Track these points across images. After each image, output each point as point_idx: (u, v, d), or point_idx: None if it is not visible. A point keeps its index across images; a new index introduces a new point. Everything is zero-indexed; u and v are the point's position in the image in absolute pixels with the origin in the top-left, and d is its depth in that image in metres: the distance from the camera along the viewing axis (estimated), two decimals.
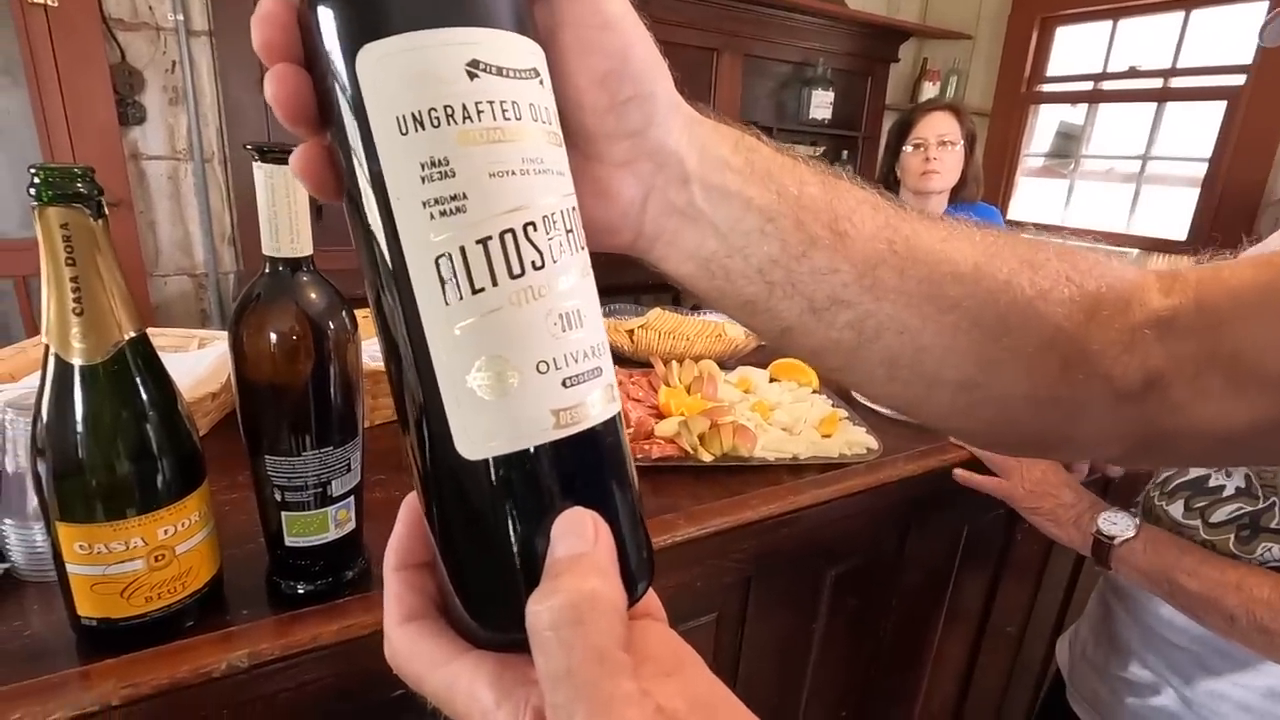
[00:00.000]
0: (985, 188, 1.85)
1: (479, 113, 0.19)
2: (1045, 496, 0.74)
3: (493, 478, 0.20)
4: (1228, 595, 0.59)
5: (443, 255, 0.19)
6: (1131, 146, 2.85)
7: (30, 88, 1.78)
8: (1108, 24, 2.87)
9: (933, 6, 3.28)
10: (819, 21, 2.84)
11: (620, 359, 1.03)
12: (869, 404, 0.88)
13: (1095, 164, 3.03)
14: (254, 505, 0.47)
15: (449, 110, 0.19)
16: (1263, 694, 0.65)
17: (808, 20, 2.82)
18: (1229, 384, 0.27)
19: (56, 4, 1.74)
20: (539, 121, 0.21)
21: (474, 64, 0.19)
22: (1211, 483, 0.67)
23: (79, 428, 0.38)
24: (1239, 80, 2.46)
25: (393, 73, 0.19)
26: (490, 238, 0.19)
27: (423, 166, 0.19)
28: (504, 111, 0.20)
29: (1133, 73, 2.83)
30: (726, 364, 1.00)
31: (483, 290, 0.19)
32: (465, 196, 0.19)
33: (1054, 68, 3.06)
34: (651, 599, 0.24)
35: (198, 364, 0.76)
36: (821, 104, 2.92)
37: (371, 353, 0.78)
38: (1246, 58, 2.43)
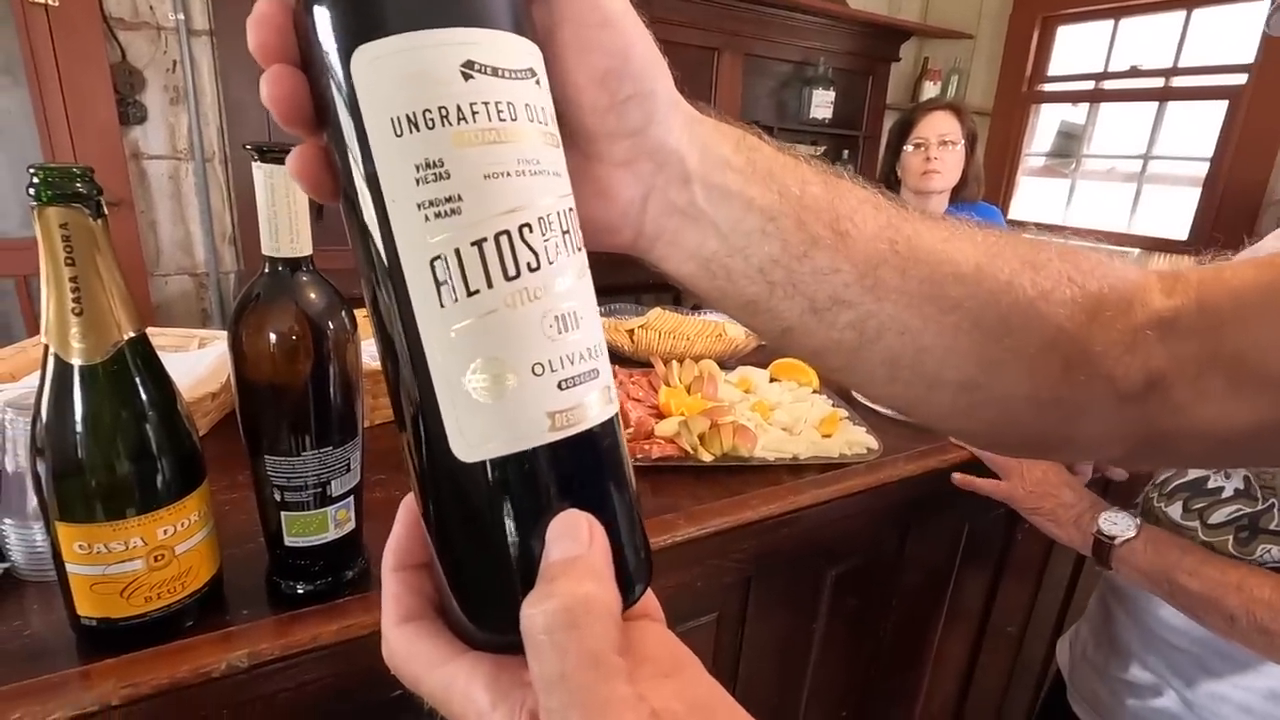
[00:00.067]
0: (986, 187, 1.85)
1: (474, 114, 0.19)
2: (1046, 497, 0.74)
3: (488, 480, 0.20)
4: (1228, 596, 0.59)
5: (438, 257, 0.19)
6: (1133, 146, 2.85)
7: (31, 87, 1.78)
8: (1109, 23, 2.86)
9: (934, 6, 3.28)
10: (820, 21, 2.84)
11: (620, 359, 1.03)
12: (869, 404, 0.88)
13: (1096, 163, 3.03)
14: (253, 505, 0.47)
15: (444, 111, 0.19)
16: (1264, 695, 0.65)
17: (809, 19, 2.81)
18: (1230, 385, 0.27)
19: (57, 3, 1.74)
20: (535, 122, 0.21)
21: (469, 65, 0.19)
22: (1210, 484, 0.67)
23: (78, 428, 0.38)
24: (1240, 79, 2.46)
25: (387, 74, 0.19)
26: (485, 239, 0.19)
27: (417, 168, 0.19)
28: (499, 112, 0.20)
29: (1134, 72, 2.82)
30: (727, 364, 1.00)
31: (478, 292, 0.19)
32: (460, 198, 0.19)
33: (1055, 67, 3.06)
34: (650, 600, 0.24)
35: (198, 364, 0.76)
36: (822, 103, 2.91)
37: (371, 352, 0.78)
38: (1248, 57, 2.43)
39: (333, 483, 0.46)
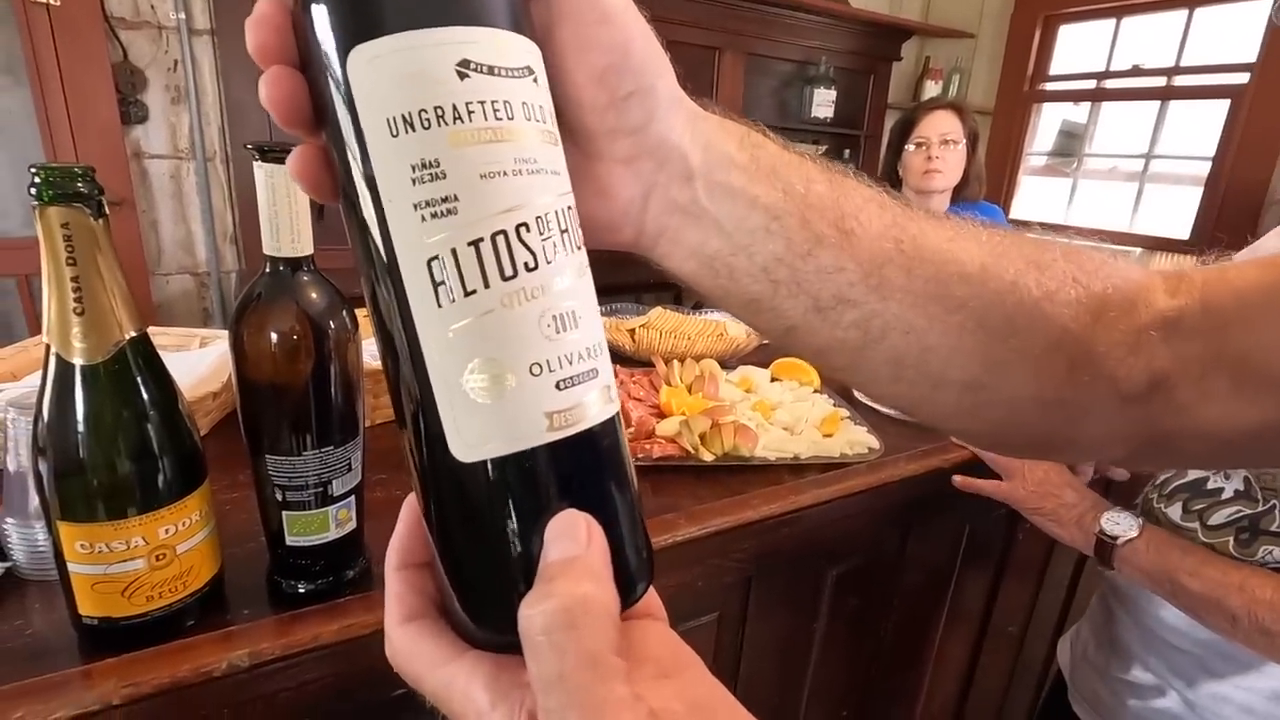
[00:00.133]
0: (988, 186, 1.85)
1: (470, 113, 0.19)
2: (1048, 497, 0.74)
3: (487, 480, 0.20)
4: (1230, 596, 0.59)
5: (435, 257, 0.19)
6: (1134, 145, 2.84)
7: (32, 87, 1.78)
8: (1111, 22, 2.86)
9: (935, 5, 3.27)
10: (821, 20, 2.84)
11: (621, 358, 1.03)
12: (870, 403, 0.88)
13: (1098, 163, 3.02)
14: (255, 504, 0.47)
15: (439, 111, 0.19)
16: (1266, 696, 0.65)
17: (810, 19, 2.81)
18: (1234, 385, 0.27)
19: (59, 3, 1.74)
20: (533, 120, 0.21)
21: (464, 64, 0.19)
22: (1210, 485, 0.67)
23: (80, 427, 0.38)
24: (1243, 79, 2.46)
25: (383, 74, 0.19)
26: (482, 239, 0.19)
27: (413, 168, 0.19)
28: (496, 111, 0.20)
29: (1136, 71, 2.82)
30: (728, 363, 1.00)
31: (475, 292, 0.19)
32: (456, 198, 0.19)
33: (1057, 66, 3.05)
34: (652, 599, 0.24)
35: (199, 363, 0.76)
36: (824, 102, 2.91)
37: (372, 352, 0.78)
38: (1250, 56, 2.42)
39: (334, 482, 0.46)
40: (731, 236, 0.27)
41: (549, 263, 0.20)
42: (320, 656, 0.46)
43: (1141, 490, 0.78)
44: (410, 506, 0.24)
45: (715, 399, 0.84)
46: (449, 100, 0.19)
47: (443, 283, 0.19)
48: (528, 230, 0.20)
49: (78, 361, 0.38)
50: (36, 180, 0.34)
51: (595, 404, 0.21)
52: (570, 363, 0.20)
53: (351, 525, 0.49)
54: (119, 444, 0.39)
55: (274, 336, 0.42)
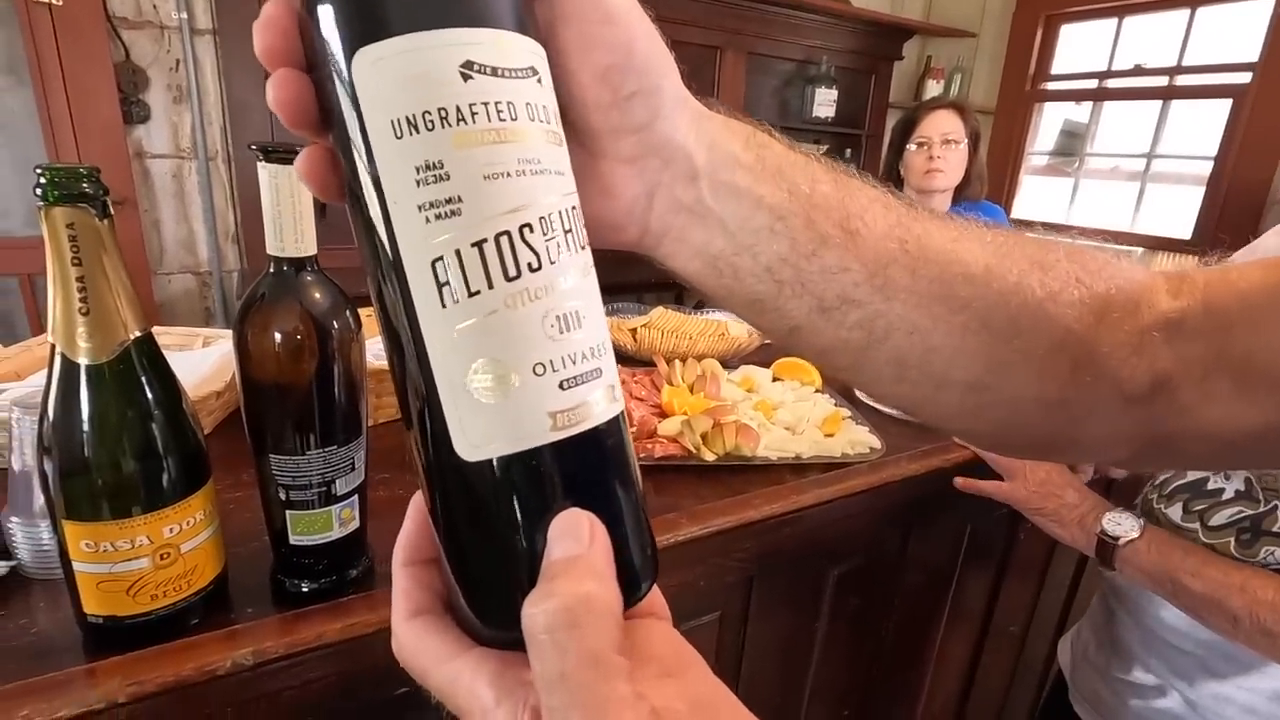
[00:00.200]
0: (989, 186, 1.85)
1: (473, 114, 0.19)
2: (1049, 497, 0.74)
3: (491, 479, 0.20)
4: (1231, 597, 0.59)
5: (439, 258, 0.19)
6: (1136, 145, 2.84)
7: (35, 86, 1.79)
8: (1113, 21, 2.86)
9: (937, 4, 3.27)
10: (823, 19, 2.83)
11: (623, 358, 1.03)
12: (872, 403, 0.88)
13: (1100, 162, 3.02)
14: (258, 504, 0.48)
15: (443, 113, 0.19)
16: (1268, 697, 0.65)
17: (811, 18, 2.81)
18: (1237, 387, 0.27)
19: (61, 2, 1.75)
20: (536, 121, 0.21)
21: (468, 65, 0.19)
22: (1210, 485, 0.67)
23: (85, 426, 0.38)
24: (1245, 78, 2.45)
25: (387, 76, 0.19)
26: (485, 240, 0.19)
27: (417, 170, 0.19)
28: (499, 112, 0.20)
29: (1138, 71, 2.81)
30: (729, 363, 1.00)
31: (478, 293, 0.19)
32: (460, 199, 0.19)
33: (1058, 65, 3.05)
34: (656, 598, 0.24)
35: (202, 362, 0.76)
36: (825, 102, 2.91)
37: (375, 352, 0.79)
38: (1252, 55, 2.42)
39: (337, 481, 0.46)
40: (736, 236, 0.27)
41: (552, 263, 0.20)
42: (324, 655, 0.46)
43: (1141, 490, 0.78)
44: (418, 504, 0.24)
45: (717, 399, 0.84)
46: (452, 102, 0.19)
47: (447, 283, 0.19)
48: (531, 231, 0.20)
49: (83, 361, 0.38)
50: (42, 181, 0.34)
51: (599, 403, 0.21)
52: (574, 362, 0.20)
53: (355, 524, 0.49)
54: (124, 443, 0.40)
55: (278, 336, 0.42)
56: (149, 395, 0.40)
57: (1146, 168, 2.83)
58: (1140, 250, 2.73)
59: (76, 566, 0.40)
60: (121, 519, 0.40)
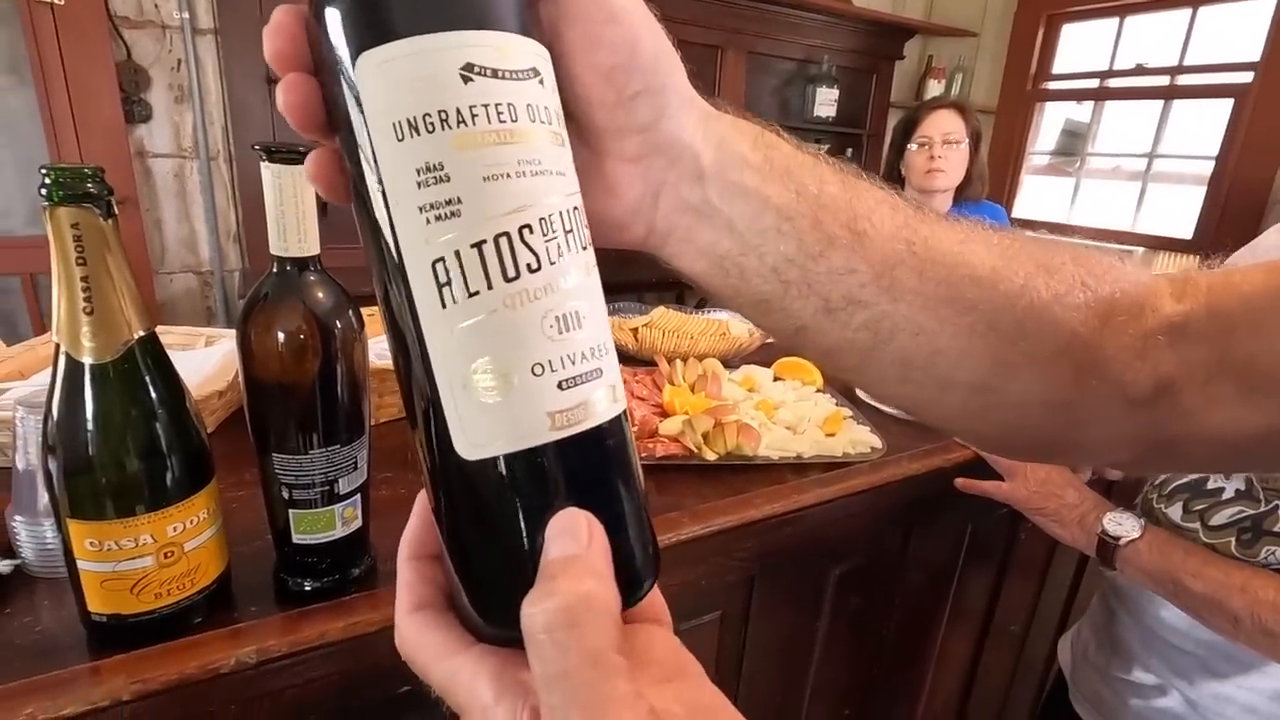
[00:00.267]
0: (990, 186, 1.85)
1: (473, 116, 0.19)
2: (1050, 497, 0.74)
3: (491, 478, 0.20)
4: (1232, 597, 0.59)
5: (439, 259, 0.19)
6: (1138, 144, 2.84)
7: (37, 86, 1.79)
8: (1114, 21, 2.85)
9: (938, 4, 3.27)
10: (824, 18, 2.83)
11: (624, 357, 1.03)
12: (873, 402, 0.88)
13: (1101, 162, 3.02)
14: (261, 503, 0.48)
15: (443, 115, 0.19)
16: (1269, 696, 0.65)
17: (812, 17, 2.81)
18: (1240, 390, 0.27)
19: (63, 2, 1.75)
20: (537, 122, 0.21)
21: (468, 68, 0.20)
22: (1210, 485, 0.67)
23: (89, 425, 0.39)
24: (1246, 78, 2.45)
25: (390, 79, 0.19)
26: (485, 241, 0.19)
27: (418, 172, 0.19)
28: (500, 114, 0.20)
29: (1139, 70, 2.81)
30: (730, 363, 1.00)
31: (478, 293, 0.19)
32: (460, 200, 0.19)
33: (1060, 65, 3.05)
34: (658, 602, 0.24)
35: (205, 362, 0.76)
36: (826, 101, 2.91)
37: (377, 351, 0.79)
38: (1254, 55, 2.42)
39: (340, 481, 0.46)
40: (743, 236, 0.27)
41: (552, 264, 0.20)
42: (326, 654, 0.46)
43: (1141, 490, 0.78)
44: (423, 501, 0.24)
45: (718, 398, 0.84)
46: (453, 104, 0.19)
47: (447, 283, 0.19)
48: (530, 232, 0.20)
49: (87, 360, 0.38)
50: (47, 181, 0.35)
51: (599, 403, 0.21)
52: (573, 363, 0.20)
53: (357, 523, 0.49)
54: (128, 442, 0.40)
55: (281, 336, 0.43)
56: (153, 394, 0.40)
57: (1148, 167, 2.82)
58: (1141, 250, 2.73)
59: (81, 565, 0.41)
60: (125, 518, 0.40)
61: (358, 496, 0.48)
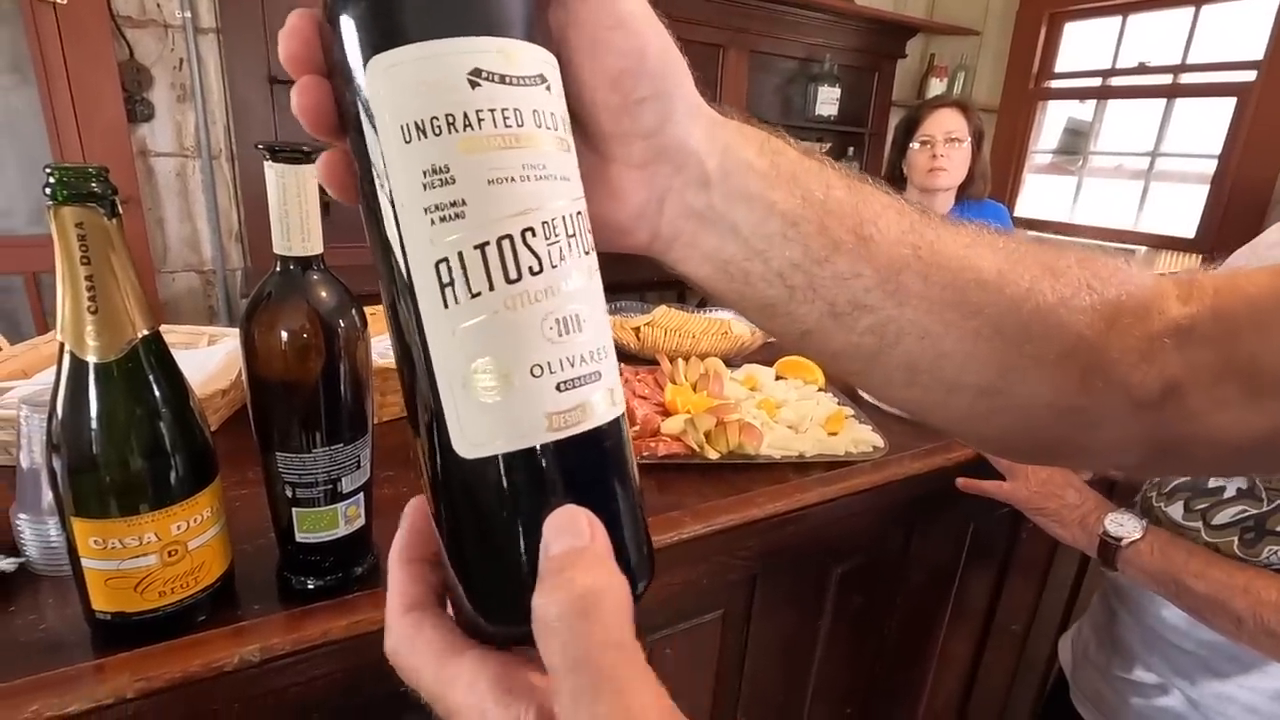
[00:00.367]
0: (992, 185, 1.84)
1: (480, 121, 0.20)
2: (1051, 497, 0.74)
3: (489, 477, 0.20)
4: (1235, 598, 0.59)
5: (443, 260, 0.20)
6: (1140, 143, 2.83)
7: (39, 85, 1.79)
8: (1117, 19, 2.85)
9: (940, 2, 3.26)
10: (825, 17, 2.83)
11: (626, 356, 1.03)
12: (875, 402, 0.88)
13: (1104, 161, 3.01)
14: (264, 501, 0.48)
15: (450, 118, 0.20)
16: (1270, 696, 0.65)
17: (814, 16, 2.80)
18: (1246, 393, 0.27)
19: (65, 1, 1.75)
20: (542, 127, 0.21)
21: (476, 73, 0.20)
22: (1211, 484, 0.67)
23: (93, 424, 0.39)
24: (1249, 76, 2.44)
25: (398, 82, 0.20)
26: (488, 243, 0.20)
27: (424, 174, 0.20)
28: (505, 119, 0.20)
29: (1142, 69, 2.81)
30: (732, 361, 1.00)
31: (480, 294, 0.20)
32: (464, 203, 0.20)
33: (1062, 64, 3.04)
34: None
35: (208, 360, 0.77)
36: (828, 100, 2.91)
37: (380, 350, 0.79)
38: (1257, 54, 2.41)
39: (343, 479, 0.47)
40: (748, 242, 0.27)
41: (554, 267, 0.21)
42: (329, 652, 0.46)
43: (1140, 488, 0.78)
44: (414, 507, 0.24)
45: (720, 397, 0.84)
46: (460, 108, 0.20)
47: (450, 284, 0.20)
48: (533, 235, 0.20)
49: (91, 359, 0.38)
50: (51, 180, 0.35)
51: (597, 406, 0.21)
52: (572, 365, 0.21)
53: (360, 522, 0.49)
54: (132, 441, 0.40)
55: (285, 335, 0.43)
56: (157, 393, 0.41)
57: (1150, 166, 2.82)
58: (1144, 249, 2.72)
59: (85, 563, 0.41)
60: (129, 516, 0.40)
61: (360, 495, 0.48)
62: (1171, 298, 0.29)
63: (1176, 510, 0.69)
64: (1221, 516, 0.65)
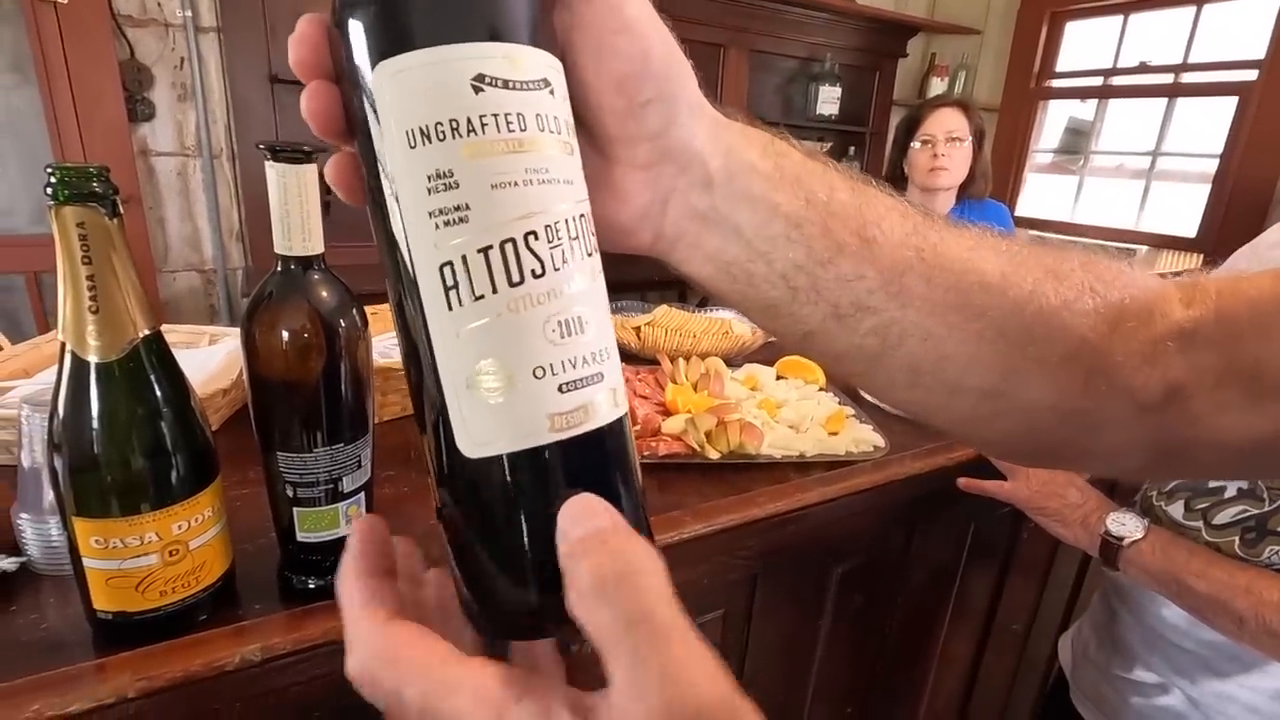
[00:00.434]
0: (993, 184, 1.84)
1: (483, 126, 0.20)
2: (1052, 497, 0.74)
3: (492, 476, 0.21)
4: (1237, 598, 0.59)
5: (447, 263, 0.20)
6: (1141, 143, 2.83)
7: (40, 85, 1.79)
8: (1118, 19, 2.85)
9: (941, 2, 3.26)
10: (826, 16, 2.83)
11: (627, 356, 1.03)
12: (876, 401, 0.88)
13: (1105, 160, 3.01)
14: (265, 501, 0.48)
15: (454, 124, 0.20)
16: (1270, 696, 0.65)
17: (815, 15, 2.80)
18: (1248, 396, 0.27)
19: (66, 1, 1.75)
20: (546, 131, 0.21)
21: (480, 78, 0.20)
22: (1212, 483, 0.67)
23: (95, 424, 0.39)
24: (1251, 76, 2.44)
25: (404, 88, 0.20)
26: (491, 247, 0.20)
27: (429, 178, 0.20)
28: (509, 124, 0.20)
29: (1143, 68, 2.80)
30: (733, 361, 1.00)
31: (483, 297, 0.20)
32: (468, 207, 0.20)
33: (1063, 63, 3.04)
34: None
35: (209, 360, 0.77)
36: (829, 100, 2.91)
37: (381, 350, 0.79)
38: (1259, 53, 2.41)
39: (344, 479, 0.47)
40: (751, 243, 0.27)
41: (556, 270, 0.21)
42: (330, 651, 0.46)
43: (1140, 488, 0.78)
44: (366, 521, 0.24)
45: (721, 397, 0.84)
46: (464, 113, 0.20)
47: (454, 287, 0.20)
48: (536, 238, 0.20)
49: (93, 359, 0.38)
50: (52, 180, 0.35)
51: (600, 406, 0.21)
52: (574, 366, 0.21)
53: None
54: (133, 441, 0.40)
55: (286, 335, 0.43)
56: (158, 393, 0.41)
57: (1152, 166, 2.82)
58: (1145, 249, 2.72)
59: (86, 563, 0.41)
60: (131, 516, 0.40)
61: (361, 495, 0.48)
62: (1174, 301, 0.29)
63: (1177, 510, 0.69)
64: (1222, 516, 0.65)
